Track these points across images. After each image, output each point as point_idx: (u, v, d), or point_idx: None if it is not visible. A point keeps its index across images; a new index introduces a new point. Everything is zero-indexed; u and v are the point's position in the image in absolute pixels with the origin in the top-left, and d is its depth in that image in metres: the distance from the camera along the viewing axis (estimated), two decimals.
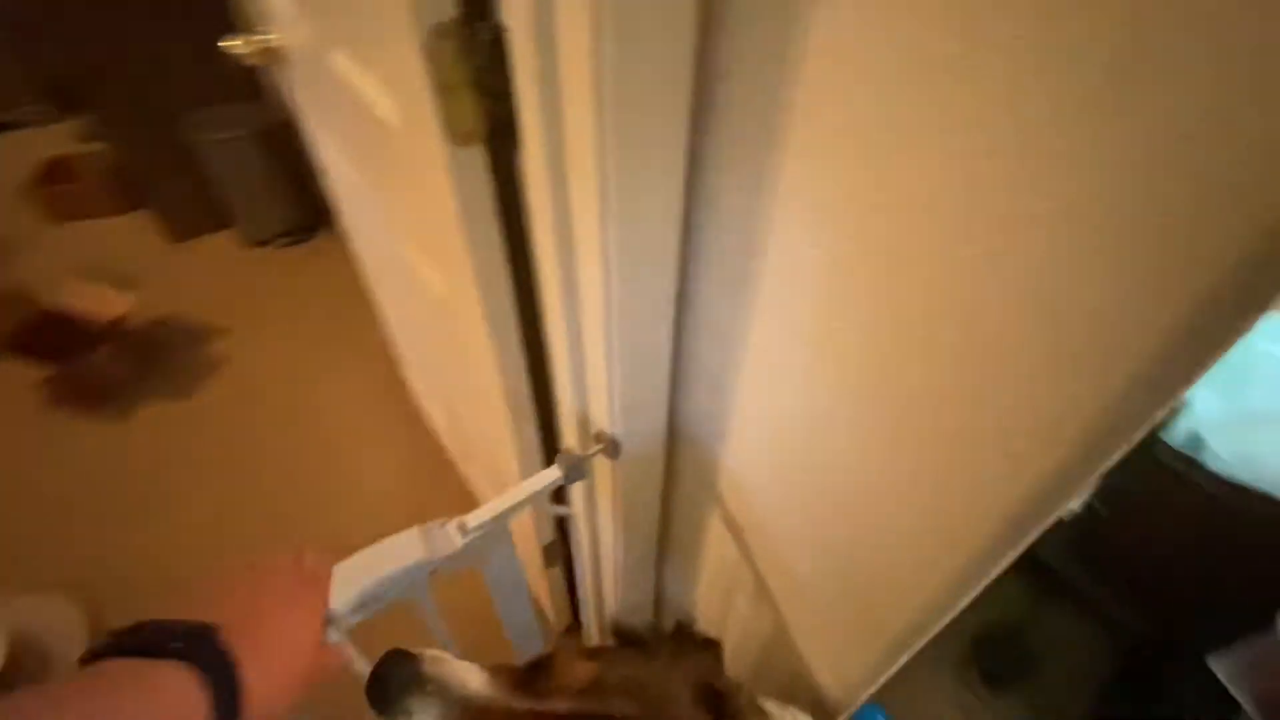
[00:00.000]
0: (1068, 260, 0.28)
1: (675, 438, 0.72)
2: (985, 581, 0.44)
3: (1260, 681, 0.89)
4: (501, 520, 0.62)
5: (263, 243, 2.36)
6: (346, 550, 0.52)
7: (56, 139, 2.82)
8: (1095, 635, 1.29)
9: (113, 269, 2.05)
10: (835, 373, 0.45)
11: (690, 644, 0.78)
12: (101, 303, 1.81)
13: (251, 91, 2.23)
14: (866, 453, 0.46)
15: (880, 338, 0.40)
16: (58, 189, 2.43)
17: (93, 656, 0.33)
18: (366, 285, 1.48)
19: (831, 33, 0.34)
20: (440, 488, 1.59)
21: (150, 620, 0.35)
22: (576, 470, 0.65)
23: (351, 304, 2.03)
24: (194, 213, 2.32)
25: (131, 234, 2.40)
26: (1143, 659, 1.15)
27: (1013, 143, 0.28)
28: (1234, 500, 0.96)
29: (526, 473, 0.84)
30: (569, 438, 0.74)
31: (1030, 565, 1.33)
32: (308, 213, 2.38)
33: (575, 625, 1.30)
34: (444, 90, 0.47)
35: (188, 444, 1.73)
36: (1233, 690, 0.89)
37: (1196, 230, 0.24)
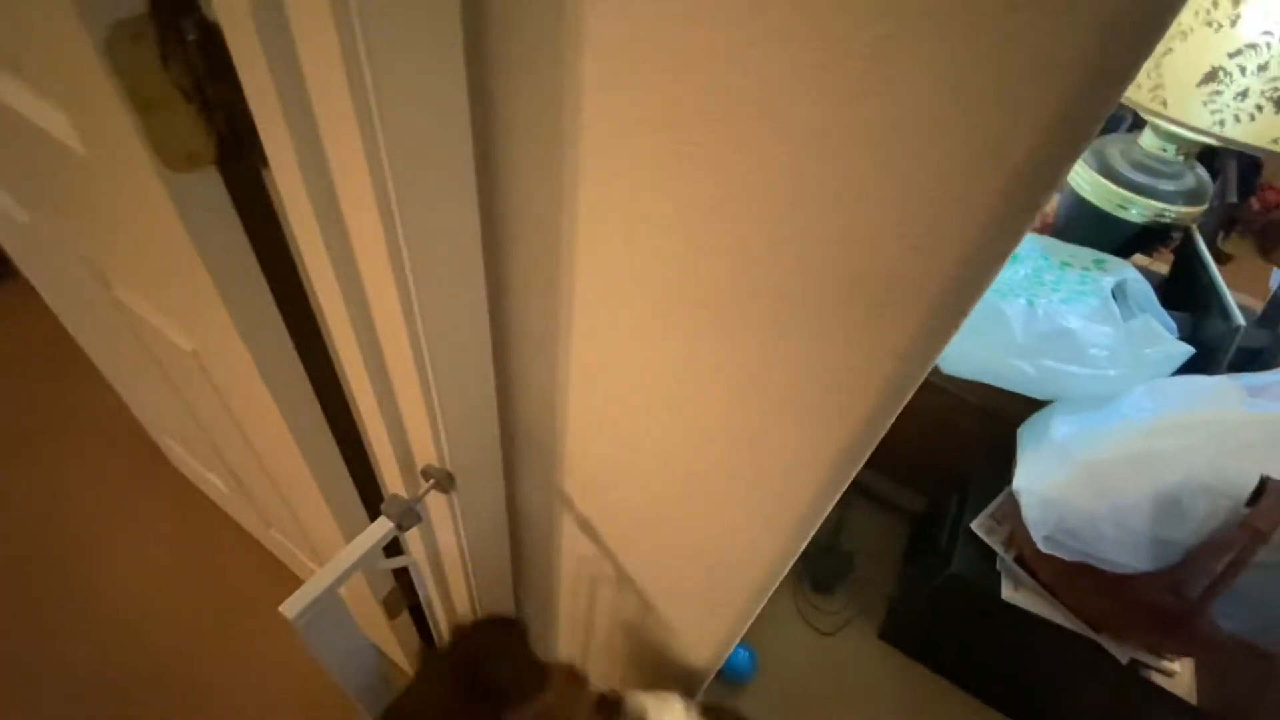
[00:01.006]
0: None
1: (511, 454, 0.69)
2: (819, 523, 0.49)
3: (1005, 532, 1.14)
4: (329, 594, 0.54)
5: None
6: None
7: None
8: (888, 522, 1.54)
9: None
10: (658, 354, 0.46)
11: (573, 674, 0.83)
12: None
13: None
14: (696, 424, 0.48)
15: (694, 311, 0.41)
16: None
17: None
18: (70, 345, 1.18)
19: (603, 25, 0.33)
20: (230, 556, 1.36)
21: None
22: (410, 515, 0.58)
23: (64, 367, 1.62)
24: None
25: None
26: (923, 533, 1.40)
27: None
28: (966, 392, 1.20)
29: (349, 530, 0.75)
30: (391, 481, 0.67)
31: None
32: None
33: None
34: (147, 107, 0.38)
35: None
36: (988, 542, 1.13)
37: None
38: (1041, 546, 0.97)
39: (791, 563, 0.54)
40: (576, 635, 0.98)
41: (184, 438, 1.17)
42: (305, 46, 0.33)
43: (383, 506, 0.58)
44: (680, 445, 0.51)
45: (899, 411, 0.37)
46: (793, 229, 0.33)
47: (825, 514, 0.47)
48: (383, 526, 0.57)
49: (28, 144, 0.54)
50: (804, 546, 0.51)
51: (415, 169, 0.37)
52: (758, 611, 0.62)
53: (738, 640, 0.67)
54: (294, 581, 1.31)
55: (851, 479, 0.44)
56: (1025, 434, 1.10)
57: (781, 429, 0.43)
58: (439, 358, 0.49)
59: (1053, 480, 0.95)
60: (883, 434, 0.39)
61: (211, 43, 0.37)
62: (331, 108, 0.34)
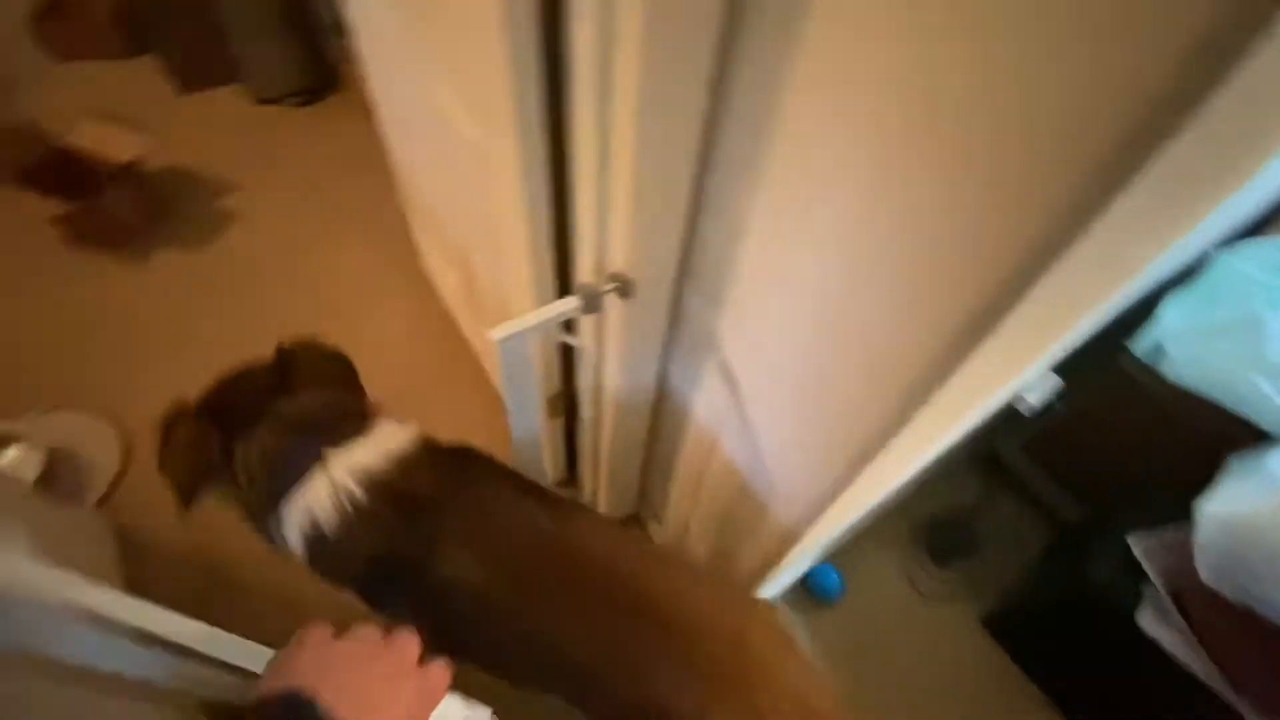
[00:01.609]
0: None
1: (681, 284, 0.79)
2: (921, 408, 0.53)
3: (1168, 559, 1.02)
4: (523, 335, 0.70)
5: (271, 100, 2.31)
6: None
7: None
8: (1034, 520, 1.44)
9: (121, 113, 2.02)
10: (842, 201, 0.52)
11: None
12: (114, 145, 1.81)
13: None
14: (859, 276, 0.54)
15: (887, 167, 0.46)
16: (61, 24, 2.34)
17: None
18: (381, 149, 1.49)
19: None
20: (445, 349, 1.68)
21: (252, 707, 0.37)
22: (593, 301, 0.72)
23: (362, 170, 2.05)
24: (202, 63, 2.26)
25: (137, 79, 2.34)
26: (1071, 536, 1.29)
27: None
28: (1180, 406, 1.06)
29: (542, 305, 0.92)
30: (583, 274, 0.81)
31: (986, 461, 1.46)
32: (318, 75, 2.33)
33: (569, 479, 1.43)
34: None
35: (202, 292, 1.79)
36: (1144, 564, 1.03)
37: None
38: (1206, 577, 0.88)
39: (897, 434, 0.58)
40: (686, 495, 1.11)
41: (440, 229, 1.45)
42: None
43: (574, 287, 0.72)
44: (837, 295, 0.57)
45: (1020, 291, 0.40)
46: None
47: (930, 397, 0.51)
48: (571, 302, 0.71)
49: None
50: (917, 418, 0.55)
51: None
52: (854, 482, 0.67)
53: (830, 506, 0.73)
54: (487, 378, 1.60)
55: (963, 359, 0.47)
56: (1238, 464, 0.96)
57: (920, 293, 0.47)
58: (653, 168, 0.60)
59: (1247, 507, 0.84)
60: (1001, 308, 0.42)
61: None
62: None
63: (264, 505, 0.67)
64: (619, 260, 0.72)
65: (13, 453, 1.32)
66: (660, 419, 1.05)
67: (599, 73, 0.56)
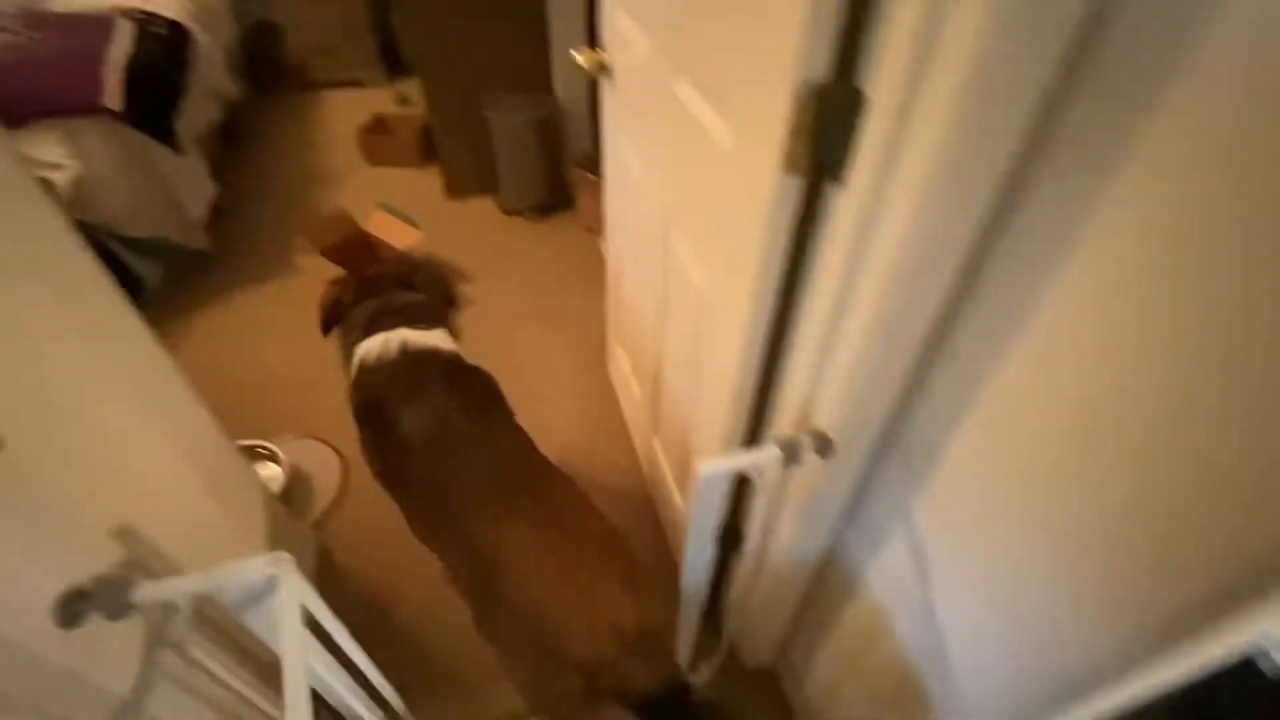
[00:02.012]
0: None
1: (884, 454, 0.80)
2: None
3: None
4: (725, 475, 0.75)
5: (514, 211, 2.76)
6: None
7: (382, 99, 3.52)
8: None
9: (405, 209, 2.53)
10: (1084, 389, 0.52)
11: None
12: (397, 233, 2.27)
13: (541, 84, 2.63)
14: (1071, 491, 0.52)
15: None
16: (377, 139, 3.03)
17: None
18: (595, 264, 1.72)
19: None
20: (612, 445, 1.80)
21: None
22: (795, 455, 0.76)
23: (576, 277, 2.36)
24: (470, 176, 2.79)
25: (421, 184, 2.93)
26: None
27: None
28: None
29: (728, 444, 0.97)
30: (783, 425, 0.85)
31: None
32: (555, 194, 2.76)
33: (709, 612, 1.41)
34: (794, 132, 0.61)
35: None
36: None
37: None
38: None
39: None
40: (839, 665, 1.05)
41: (633, 348, 1.60)
42: (915, 128, 0.51)
43: (774, 435, 0.77)
44: (1054, 500, 0.56)
45: None
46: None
47: (1160, 651, 0.47)
48: (773, 453, 0.76)
49: (689, 137, 0.87)
50: None
51: (941, 216, 0.52)
52: None
53: None
54: (640, 475, 1.67)
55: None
56: None
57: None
58: (884, 345, 0.65)
59: None
60: None
61: (852, 104, 0.58)
62: (909, 169, 0.52)
63: (354, 339, 1.16)
64: (823, 419, 0.77)
65: (271, 468, 1.61)
66: (825, 579, 1.03)
67: (853, 252, 0.63)
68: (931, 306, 0.62)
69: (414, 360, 1.10)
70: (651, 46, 1.01)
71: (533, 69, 2.60)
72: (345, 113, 3.48)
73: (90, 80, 1.91)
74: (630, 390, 1.74)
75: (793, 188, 0.66)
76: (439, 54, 2.49)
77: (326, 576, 1.51)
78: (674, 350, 1.21)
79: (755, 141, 0.69)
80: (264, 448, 1.71)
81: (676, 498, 1.42)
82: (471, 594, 0.95)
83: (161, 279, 2.24)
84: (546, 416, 1.90)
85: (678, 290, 1.09)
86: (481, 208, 2.82)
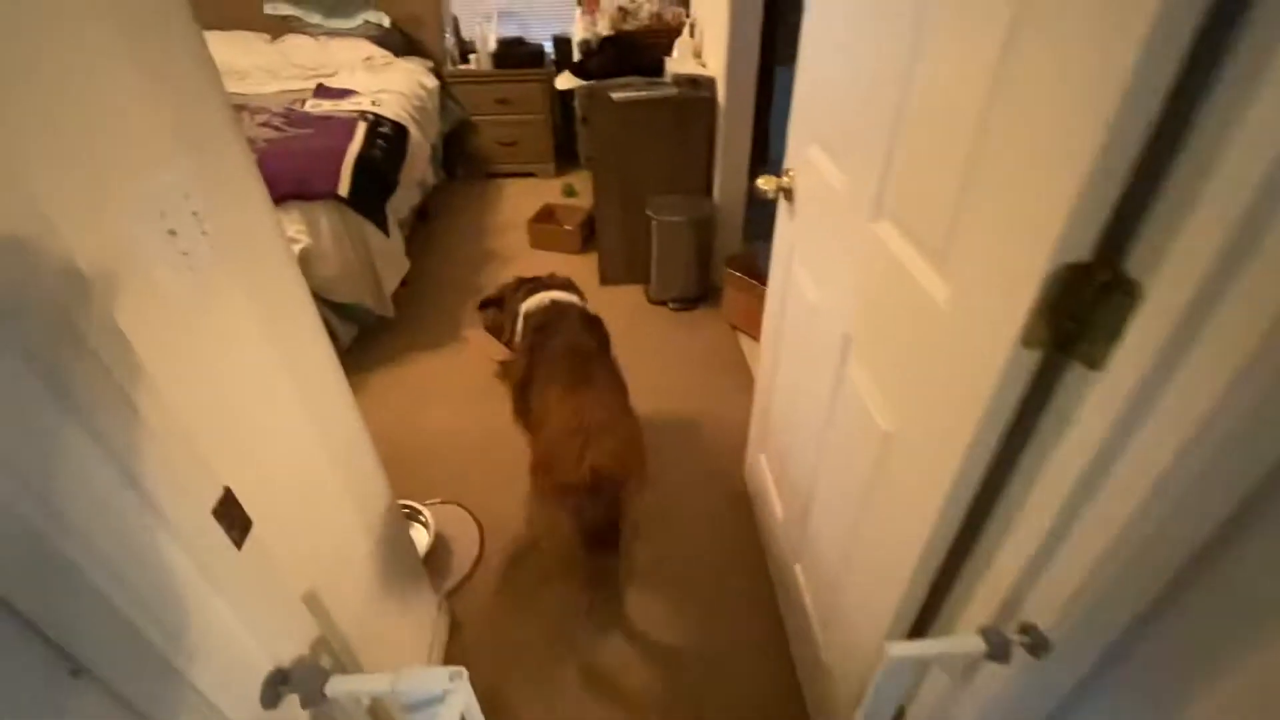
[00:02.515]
0: None
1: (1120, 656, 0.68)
2: None
3: None
4: (918, 660, 0.67)
5: (661, 302, 2.86)
6: None
7: (552, 188, 3.87)
8: None
9: None
10: None
11: None
12: None
13: (701, 187, 2.77)
14: None
15: None
16: (545, 226, 3.31)
17: None
18: (734, 358, 1.70)
19: None
20: (743, 557, 1.71)
21: None
22: (1001, 651, 0.67)
23: (714, 369, 2.39)
24: (623, 265, 2.94)
25: (578, 269, 3.12)
26: None
27: None
28: None
29: (898, 621, 0.88)
30: (978, 613, 0.76)
31: None
32: (700, 290, 2.83)
33: None
34: (1039, 310, 0.57)
35: None
36: None
37: None
38: None
39: None
40: None
41: (778, 461, 1.54)
42: (1211, 330, 0.45)
43: (981, 629, 0.68)
44: None
45: None
46: None
47: None
48: (975, 643, 0.67)
49: (892, 283, 0.85)
50: None
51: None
52: None
53: None
54: (769, 592, 1.56)
55: None
56: None
57: None
58: (1137, 547, 0.56)
59: None
60: None
61: (1114, 287, 0.53)
62: (1194, 372, 0.45)
63: (518, 301, 1.84)
64: (1037, 613, 0.67)
65: (419, 532, 1.71)
66: None
67: (1107, 445, 0.56)
68: (1211, 523, 0.53)
69: (559, 307, 1.76)
70: (849, 183, 1.02)
71: (694, 173, 2.75)
72: (519, 199, 3.86)
73: (333, 173, 2.27)
74: (769, 502, 1.67)
75: (1028, 360, 0.61)
76: (613, 157, 2.70)
77: (454, 652, 1.54)
78: (836, 482, 1.15)
79: (984, 308, 0.65)
80: (411, 507, 1.82)
81: (817, 634, 1.30)
82: (529, 429, 1.57)
83: (353, 340, 2.53)
84: (674, 514, 1.87)
85: (852, 423, 1.04)
86: (630, 295, 2.95)
